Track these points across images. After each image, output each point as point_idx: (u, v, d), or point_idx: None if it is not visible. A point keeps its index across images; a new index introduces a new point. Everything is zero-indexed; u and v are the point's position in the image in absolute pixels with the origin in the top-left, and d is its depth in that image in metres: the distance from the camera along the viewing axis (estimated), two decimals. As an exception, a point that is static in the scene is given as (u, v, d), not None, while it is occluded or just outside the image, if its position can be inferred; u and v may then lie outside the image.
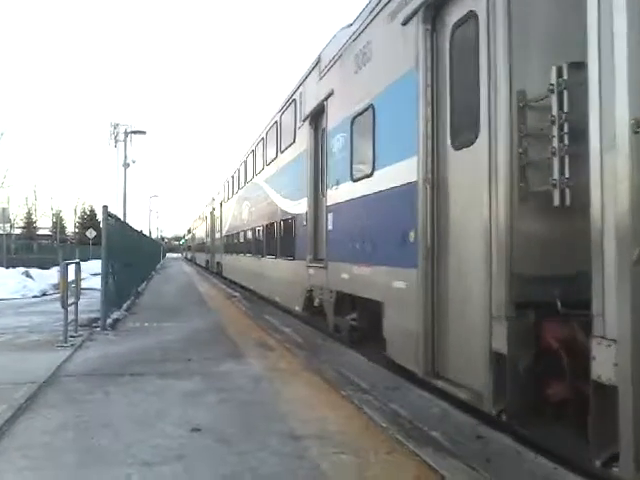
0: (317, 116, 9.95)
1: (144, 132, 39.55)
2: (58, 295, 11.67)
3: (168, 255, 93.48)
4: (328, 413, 5.08)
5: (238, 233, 20.88)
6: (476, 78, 4.77)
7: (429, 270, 5.50)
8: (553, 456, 3.95)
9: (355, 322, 8.21)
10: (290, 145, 11.97)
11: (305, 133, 10.58)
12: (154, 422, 4.83)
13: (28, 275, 22.06)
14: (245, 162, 19.33)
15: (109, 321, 10.81)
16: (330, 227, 8.80)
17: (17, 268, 23.90)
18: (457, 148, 5.22)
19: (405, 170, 6.05)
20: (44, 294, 18.73)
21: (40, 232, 67.14)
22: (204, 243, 40.93)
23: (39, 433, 4.54)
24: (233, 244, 22.61)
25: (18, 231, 58.80)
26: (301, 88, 11.09)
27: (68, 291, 9.15)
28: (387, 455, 4.04)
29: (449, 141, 5.33)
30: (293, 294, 11.36)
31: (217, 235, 29.18)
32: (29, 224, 65.38)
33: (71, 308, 9.29)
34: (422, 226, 5.57)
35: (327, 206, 8.95)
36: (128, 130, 39.14)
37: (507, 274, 4.37)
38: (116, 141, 40.01)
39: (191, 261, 65.06)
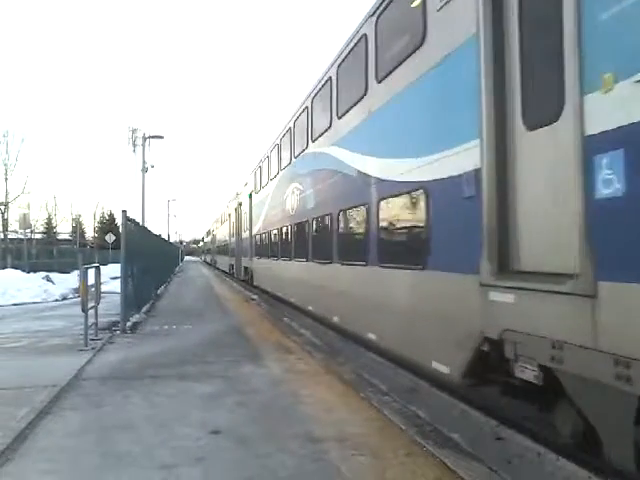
0: None
1: (162, 137, 39.73)
2: (78, 299, 11.83)
3: (186, 258, 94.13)
4: (347, 415, 5.08)
5: (280, 230, 15.60)
6: None
7: None
8: (574, 458, 3.90)
9: None
10: (411, 54, 6.66)
11: (468, 8, 5.28)
12: (174, 424, 4.86)
13: (49, 279, 22.34)
14: (291, 131, 14.17)
15: (129, 324, 10.92)
16: (621, 188, 3.46)
17: (38, 273, 24.22)
18: None
19: None
20: (65, 298, 18.94)
21: (60, 237, 67.90)
22: (227, 245, 36.08)
23: (61, 436, 4.60)
24: (271, 245, 17.24)
25: (39, 236, 59.52)
26: None
27: (88, 295, 9.26)
28: (406, 457, 4.03)
29: None
30: (431, 339, 6.02)
31: (245, 234, 24.21)
32: (49, 229, 66.17)
33: (91, 312, 9.39)
34: None
35: (602, 134, 3.59)
36: (146, 135, 39.43)
37: None
38: (134, 146, 40.36)
39: (210, 265, 61.63)
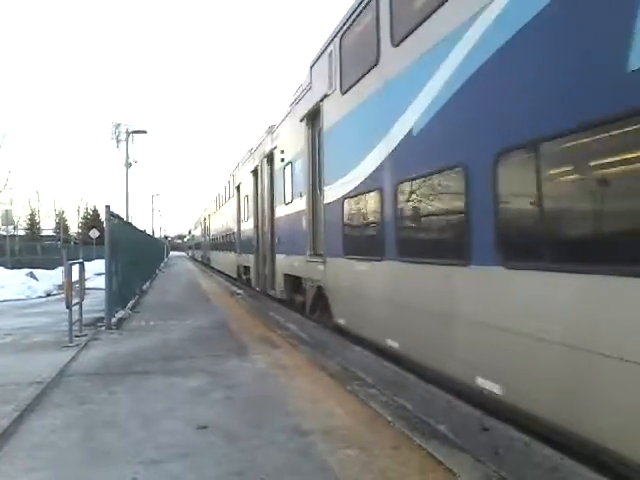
0: None
1: (145, 132, 39.26)
2: (63, 295, 11.72)
3: (172, 254, 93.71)
4: (334, 408, 5.08)
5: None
6: None
7: None
8: (561, 448, 3.94)
9: None
10: None
11: None
12: (160, 420, 4.83)
13: (32, 276, 22.10)
14: None
15: (114, 320, 10.83)
16: None
17: (21, 269, 23.96)
18: None
19: None
20: (49, 295, 18.76)
21: (44, 233, 67.23)
22: (231, 236, 24.26)
23: (46, 433, 4.55)
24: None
25: (22, 232, 58.90)
26: None
27: (72, 291, 9.17)
28: (393, 450, 4.04)
29: None
30: None
31: (286, 210, 12.81)
32: (32, 225, 65.50)
33: (75, 308, 9.30)
34: None
35: None
36: (129, 130, 39.01)
37: None
38: (118, 141, 39.97)
39: (202, 263, 49.46)
